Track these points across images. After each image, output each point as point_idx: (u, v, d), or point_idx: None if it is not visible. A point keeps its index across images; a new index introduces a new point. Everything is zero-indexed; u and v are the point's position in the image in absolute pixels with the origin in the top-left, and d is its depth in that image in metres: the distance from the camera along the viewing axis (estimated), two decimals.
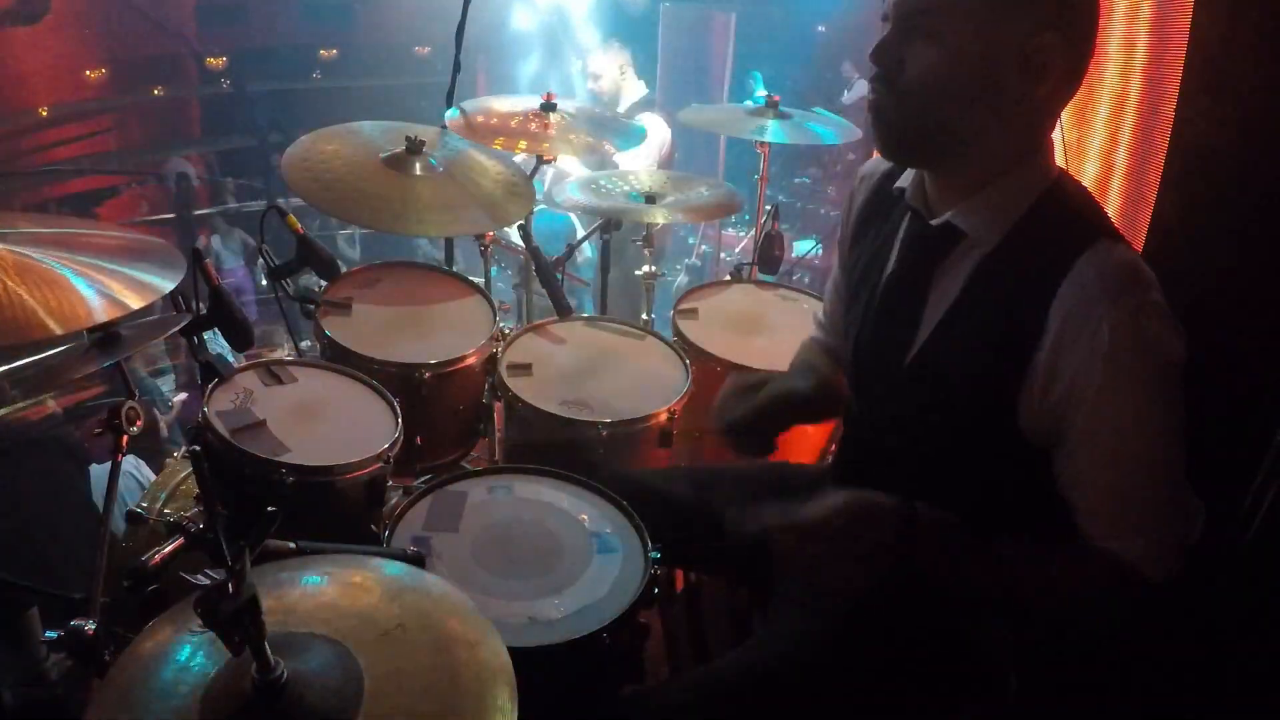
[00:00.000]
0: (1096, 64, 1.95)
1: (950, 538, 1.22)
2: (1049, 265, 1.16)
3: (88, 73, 4.86)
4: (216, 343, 2.10)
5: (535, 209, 2.52)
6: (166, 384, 4.36)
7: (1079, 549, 1.20)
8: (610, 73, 4.55)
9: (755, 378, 1.50)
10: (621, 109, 4.51)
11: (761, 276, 2.79)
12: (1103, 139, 1.96)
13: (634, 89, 4.58)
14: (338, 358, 2.10)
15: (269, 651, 0.91)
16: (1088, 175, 2.01)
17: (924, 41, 1.15)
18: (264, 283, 4.93)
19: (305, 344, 2.62)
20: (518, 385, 2.08)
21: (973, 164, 1.23)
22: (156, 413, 3.57)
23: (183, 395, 3.99)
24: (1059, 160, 1.28)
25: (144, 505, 1.98)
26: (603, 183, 2.71)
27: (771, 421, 1.47)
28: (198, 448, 0.96)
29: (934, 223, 1.27)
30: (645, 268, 2.80)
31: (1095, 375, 1.12)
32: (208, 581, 0.86)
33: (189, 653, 1.02)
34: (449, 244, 3.04)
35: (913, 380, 1.30)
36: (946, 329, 1.26)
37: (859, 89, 6.42)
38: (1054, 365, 1.15)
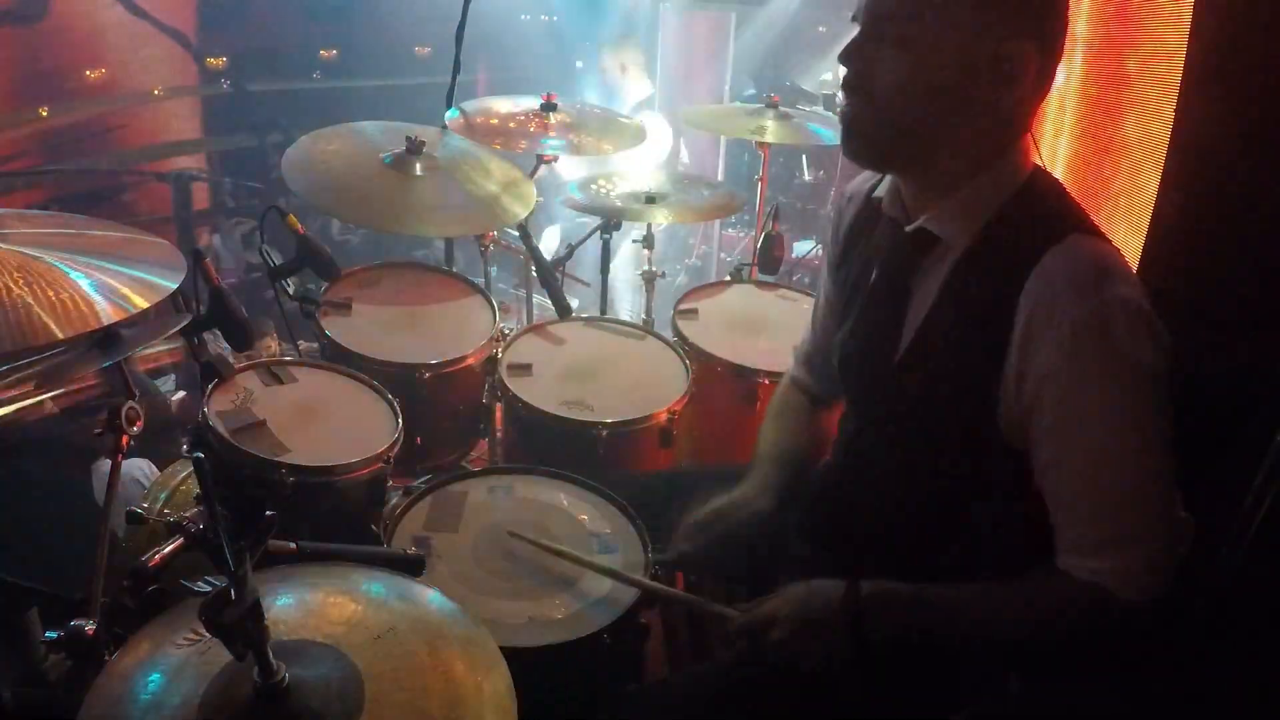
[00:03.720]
0: (1097, 63, 1.96)
1: (902, 606, 1.23)
2: (1018, 261, 1.15)
3: (88, 73, 4.84)
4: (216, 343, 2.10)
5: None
6: (166, 384, 4.34)
7: (1044, 582, 1.18)
8: (612, 69, 4.55)
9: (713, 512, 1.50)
10: (625, 108, 4.52)
11: (761, 276, 2.79)
12: (1103, 139, 1.96)
13: (638, 88, 4.57)
14: (338, 358, 2.10)
15: (272, 656, 0.91)
16: (1087, 176, 2.01)
17: (895, 47, 1.14)
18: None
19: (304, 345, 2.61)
20: (518, 385, 2.08)
21: (943, 168, 1.22)
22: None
23: (181, 394, 3.98)
24: (1036, 159, 1.28)
25: (144, 505, 1.98)
26: (603, 183, 2.71)
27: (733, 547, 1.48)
28: (200, 454, 0.96)
29: (908, 229, 1.27)
30: (645, 268, 2.80)
31: (1059, 372, 1.11)
32: (208, 589, 0.86)
33: (160, 681, 1.00)
34: (449, 244, 3.04)
35: (898, 386, 1.31)
36: (926, 333, 1.27)
37: None
38: (1023, 362, 1.14)
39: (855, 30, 1.20)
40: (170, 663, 1.01)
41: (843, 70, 1.22)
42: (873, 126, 1.21)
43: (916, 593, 1.23)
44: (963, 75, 1.14)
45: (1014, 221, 1.19)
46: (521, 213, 2.42)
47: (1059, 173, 1.97)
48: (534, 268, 2.71)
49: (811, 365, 1.66)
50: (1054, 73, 1.19)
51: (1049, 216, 1.19)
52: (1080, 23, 1.99)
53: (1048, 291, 1.12)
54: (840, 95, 1.24)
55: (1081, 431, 1.12)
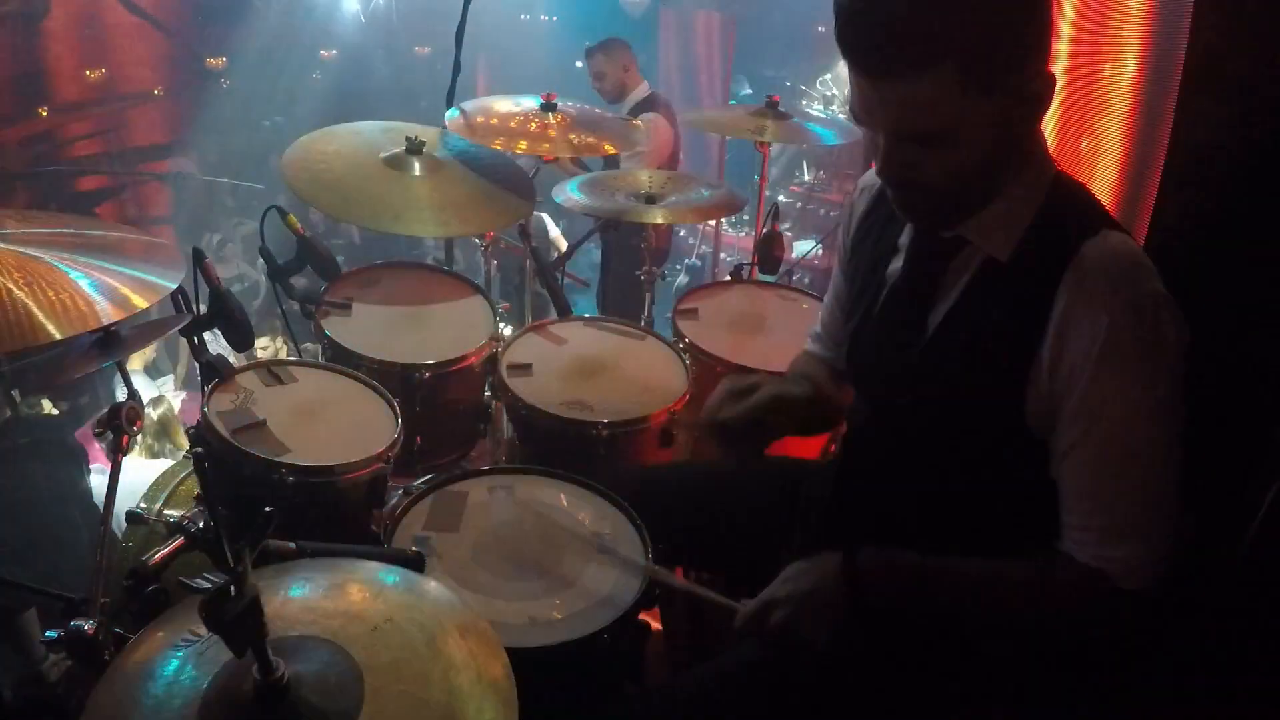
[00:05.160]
0: (1097, 64, 1.96)
1: (903, 575, 1.24)
2: (1052, 258, 1.16)
3: (88, 73, 4.84)
4: (217, 343, 2.10)
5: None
6: (165, 385, 4.35)
7: (1048, 563, 1.20)
8: (614, 72, 4.55)
9: (749, 381, 1.49)
10: (625, 109, 4.51)
11: (761, 276, 2.78)
12: (1103, 139, 1.96)
13: (637, 88, 4.57)
14: (338, 358, 2.10)
15: (270, 653, 0.91)
16: (1089, 176, 2.01)
17: (935, 149, 1.14)
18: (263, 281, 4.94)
19: (306, 346, 2.62)
20: (518, 385, 2.08)
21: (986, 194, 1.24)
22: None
23: (181, 394, 3.99)
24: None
25: (144, 505, 1.98)
26: (603, 183, 2.71)
27: (763, 426, 1.46)
28: (200, 450, 0.96)
29: (946, 235, 1.27)
30: (645, 267, 2.80)
31: (1090, 363, 1.12)
32: (208, 585, 0.86)
33: (177, 666, 1.00)
34: (449, 244, 3.05)
35: (920, 379, 1.31)
36: (954, 326, 1.27)
37: None
38: (1056, 354, 1.16)
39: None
40: (174, 661, 1.01)
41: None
42: (933, 209, 1.23)
43: (917, 562, 1.24)
44: (1002, 133, 1.15)
45: (1050, 223, 1.21)
46: (521, 213, 2.42)
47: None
48: (533, 267, 2.71)
49: (827, 344, 1.67)
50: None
51: (1079, 213, 1.21)
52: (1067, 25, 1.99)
53: (1085, 285, 1.13)
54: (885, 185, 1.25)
55: (1106, 420, 1.14)
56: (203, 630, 0.89)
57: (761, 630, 1.27)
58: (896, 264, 1.37)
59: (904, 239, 1.37)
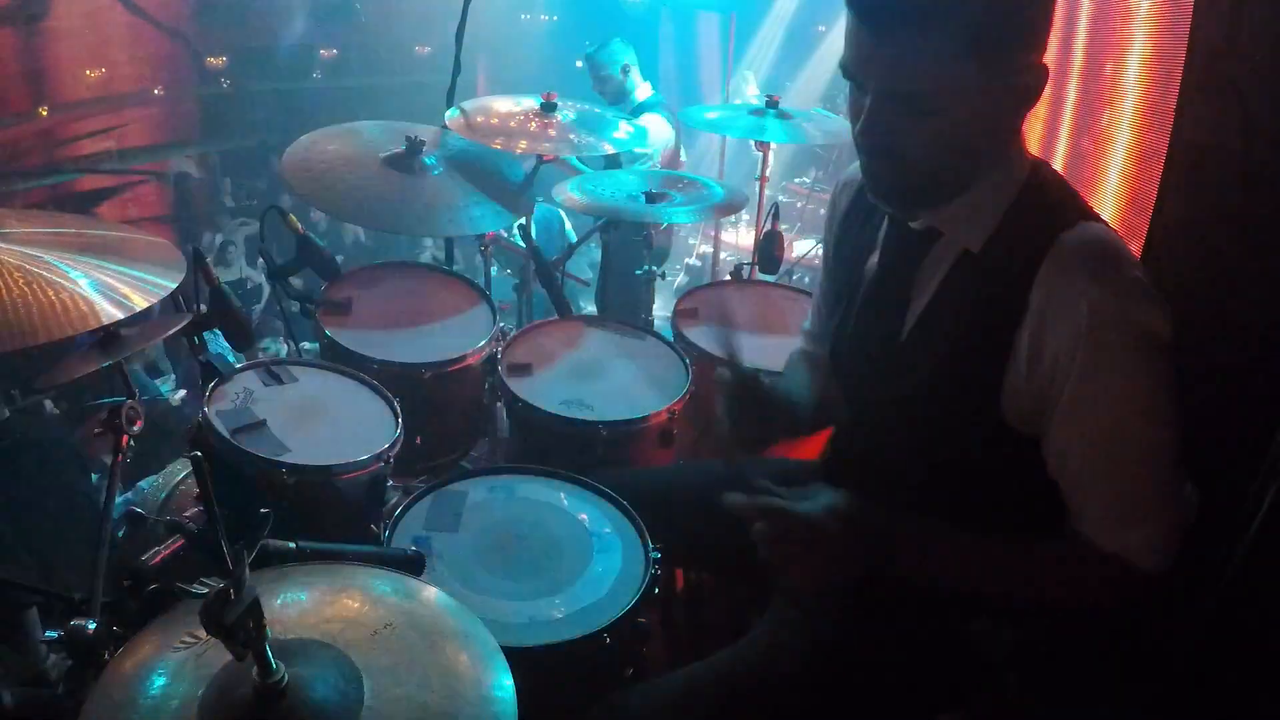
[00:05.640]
0: (1096, 64, 1.96)
1: (934, 548, 1.21)
2: (1030, 249, 1.16)
3: (88, 73, 4.84)
4: (217, 343, 2.10)
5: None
6: (166, 385, 4.35)
7: (1072, 549, 1.19)
8: (614, 75, 4.55)
9: (745, 375, 1.46)
10: (627, 111, 4.51)
11: (761, 276, 2.79)
12: (1103, 140, 1.96)
13: (638, 90, 4.57)
14: (338, 358, 2.10)
15: (271, 655, 0.91)
16: (1090, 176, 2.01)
17: (923, 117, 1.12)
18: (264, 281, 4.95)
19: (306, 345, 2.61)
20: (518, 385, 2.08)
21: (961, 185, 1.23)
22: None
23: (182, 393, 3.99)
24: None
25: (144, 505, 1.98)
26: (604, 182, 2.71)
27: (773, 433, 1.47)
28: (199, 453, 0.96)
29: (916, 226, 1.27)
30: (645, 268, 2.80)
31: (1077, 354, 1.12)
32: (204, 590, 0.86)
33: (174, 669, 1.00)
34: (449, 244, 3.04)
35: (898, 373, 1.31)
36: (931, 320, 1.27)
37: None
38: (1036, 346, 1.15)
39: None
40: (169, 665, 1.01)
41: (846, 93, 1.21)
42: (904, 186, 1.21)
43: (952, 539, 1.20)
44: (992, 118, 1.14)
45: (1024, 214, 1.20)
46: (521, 213, 2.42)
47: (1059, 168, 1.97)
48: (534, 267, 2.71)
49: (819, 343, 1.66)
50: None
51: (1056, 206, 1.20)
52: (1081, 25, 1.99)
53: (1063, 276, 1.13)
54: (859, 152, 1.22)
55: (1102, 410, 1.13)
56: (201, 633, 0.88)
57: (774, 541, 1.17)
58: (874, 260, 1.37)
59: (881, 235, 1.37)
